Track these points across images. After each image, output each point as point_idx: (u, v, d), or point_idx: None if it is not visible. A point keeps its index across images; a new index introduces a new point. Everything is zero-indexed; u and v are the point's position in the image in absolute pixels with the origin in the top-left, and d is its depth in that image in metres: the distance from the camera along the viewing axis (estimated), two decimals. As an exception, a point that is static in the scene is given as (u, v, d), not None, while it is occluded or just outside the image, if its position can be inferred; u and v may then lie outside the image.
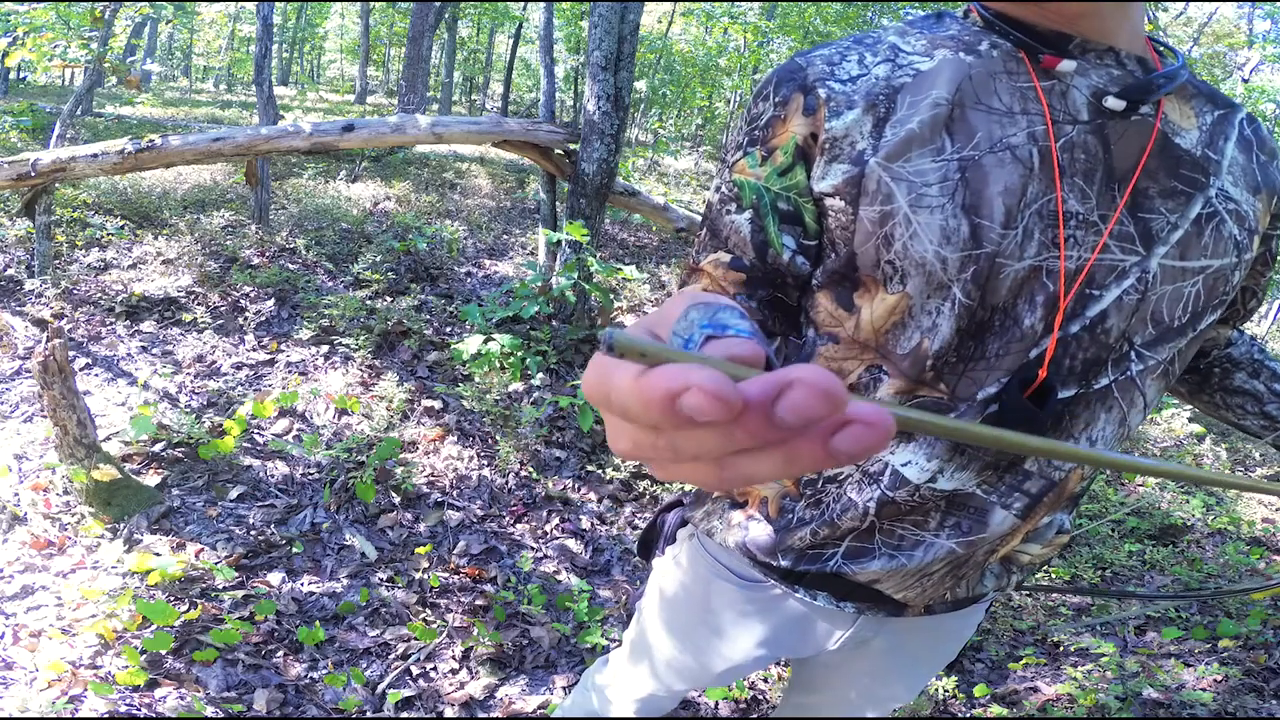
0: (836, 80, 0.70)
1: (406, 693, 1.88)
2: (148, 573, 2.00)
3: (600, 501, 2.83)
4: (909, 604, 0.84)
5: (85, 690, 1.68)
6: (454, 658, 2.02)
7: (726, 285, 0.77)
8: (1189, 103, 0.73)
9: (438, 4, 11.45)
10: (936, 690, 2.05)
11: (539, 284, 3.69)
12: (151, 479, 2.45)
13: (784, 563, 0.83)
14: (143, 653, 1.79)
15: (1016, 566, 0.84)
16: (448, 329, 3.77)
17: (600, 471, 2.95)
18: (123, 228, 4.26)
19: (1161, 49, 0.75)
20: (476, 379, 3.23)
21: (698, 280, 0.80)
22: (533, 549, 2.52)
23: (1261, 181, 0.75)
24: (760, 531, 0.84)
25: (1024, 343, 0.69)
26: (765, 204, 0.73)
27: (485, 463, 2.88)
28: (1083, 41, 0.68)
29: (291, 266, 4.12)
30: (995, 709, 2.04)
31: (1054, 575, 2.72)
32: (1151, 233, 0.69)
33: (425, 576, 2.28)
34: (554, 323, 3.69)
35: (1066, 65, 0.67)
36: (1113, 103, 0.67)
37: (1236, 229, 0.72)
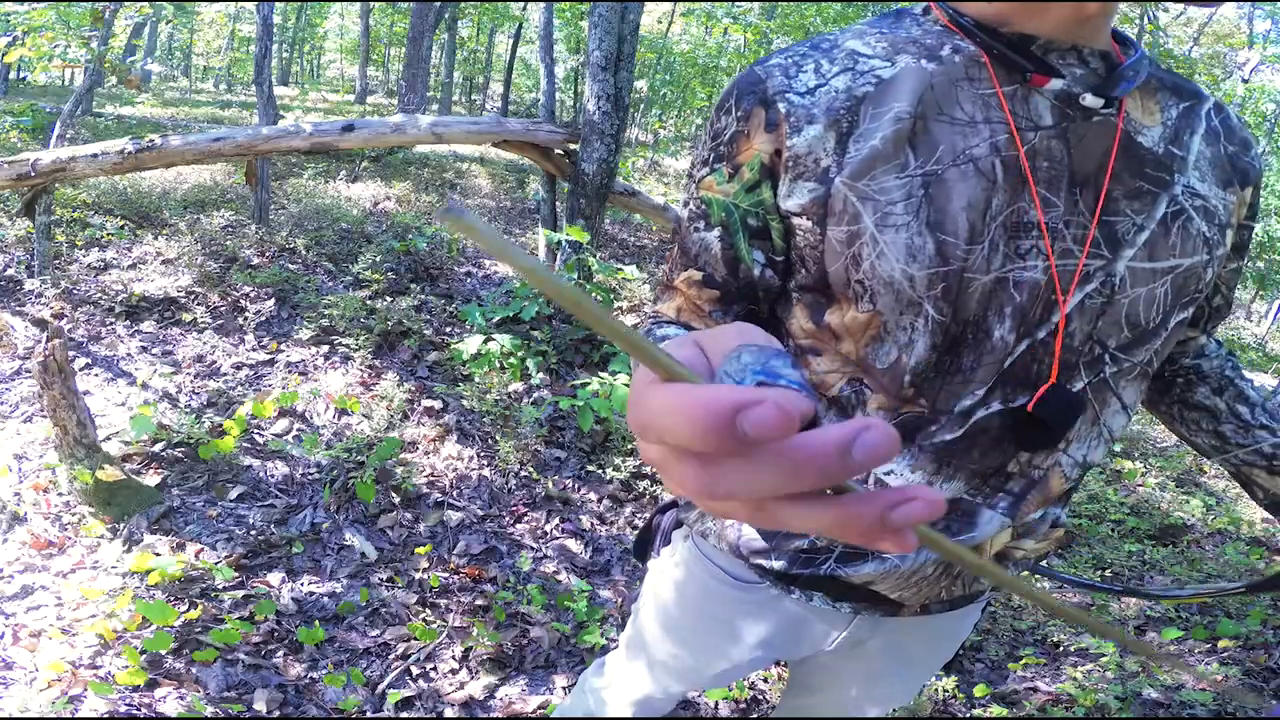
0: (795, 93, 0.68)
1: (406, 693, 1.88)
2: (148, 573, 2.00)
3: (600, 501, 2.83)
4: (905, 604, 0.84)
5: (85, 690, 1.68)
6: (454, 658, 2.02)
7: (701, 303, 0.76)
8: (1153, 97, 0.71)
9: (438, 4, 11.44)
10: (936, 690, 2.05)
11: (539, 284, 3.68)
12: (151, 479, 2.45)
13: (777, 564, 0.83)
14: (143, 653, 1.79)
15: (1011, 562, 0.84)
16: (448, 329, 3.77)
17: (600, 471, 2.95)
18: (123, 228, 4.26)
19: (1121, 40, 0.72)
20: (476, 379, 3.23)
21: (671, 298, 0.79)
22: (533, 549, 2.52)
23: (1233, 173, 0.73)
24: (753, 533, 0.84)
25: (995, 354, 0.68)
26: (735, 220, 0.72)
27: (485, 463, 2.88)
28: (1046, 42, 0.66)
29: (291, 266, 4.12)
30: (995, 709, 2.04)
31: (1054, 575, 2.72)
32: (1117, 235, 0.68)
33: (425, 576, 2.28)
34: (554, 323, 3.70)
35: (1055, 84, 0.66)
36: (1091, 101, 0.66)
37: (1205, 225, 0.70)
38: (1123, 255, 0.68)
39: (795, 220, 0.70)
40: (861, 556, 0.80)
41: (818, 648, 0.94)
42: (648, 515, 2.98)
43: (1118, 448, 3.90)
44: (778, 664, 2.08)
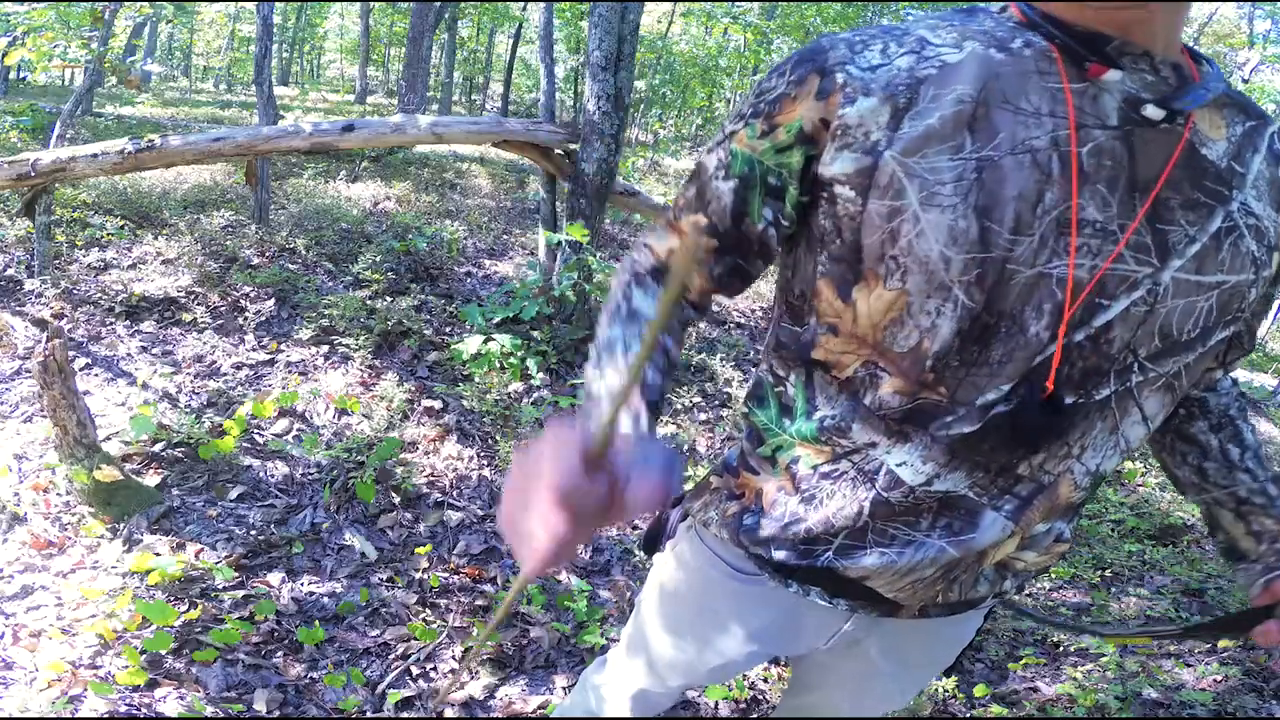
0: (856, 66, 0.68)
1: (406, 693, 1.88)
2: (148, 573, 2.00)
3: (600, 501, 2.83)
4: (901, 604, 0.83)
5: (85, 690, 1.68)
6: (454, 658, 2.02)
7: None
8: (1220, 112, 0.71)
9: (438, 4, 11.44)
10: (936, 690, 2.05)
11: (539, 284, 3.69)
12: (151, 479, 2.45)
13: (776, 555, 0.83)
14: (143, 653, 1.79)
15: (1011, 573, 0.83)
16: (448, 329, 3.77)
17: (600, 471, 2.94)
18: (123, 228, 4.26)
19: (1195, 57, 0.73)
20: (476, 379, 3.23)
21: (668, 237, 0.81)
22: (533, 549, 2.52)
23: None
24: (753, 523, 0.84)
25: (1028, 350, 0.67)
26: (755, 175, 0.72)
27: (485, 463, 2.88)
28: (1121, 44, 0.65)
29: (291, 266, 4.12)
30: (995, 709, 2.04)
31: (1054, 575, 2.72)
32: (1169, 245, 0.67)
33: (425, 576, 2.28)
34: (554, 323, 3.69)
35: (1112, 76, 0.65)
36: (1152, 112, 0.65)
37: (1255, 245, 0.70)
38: (1170, 265, 0.67)
39: (837, 189, 0.69)
40: (859, 550, 0.79)
41: (814, 645, 0.94)
42: (648, 515, 2.98)
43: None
44: (777, 663, 2.08)
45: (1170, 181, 0.66)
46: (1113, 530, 3.06)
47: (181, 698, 1.73)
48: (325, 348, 3.43)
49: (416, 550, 2.38)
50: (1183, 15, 0.69)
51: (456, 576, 2.31)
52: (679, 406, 3.51)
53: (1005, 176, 0.64)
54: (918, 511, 0.76)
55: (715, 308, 4.74)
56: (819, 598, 0.85)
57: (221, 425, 2.71)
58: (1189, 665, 2.27)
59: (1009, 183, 0.64)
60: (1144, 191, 0.66)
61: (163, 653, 1.81)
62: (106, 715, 1.65)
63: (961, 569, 0.79)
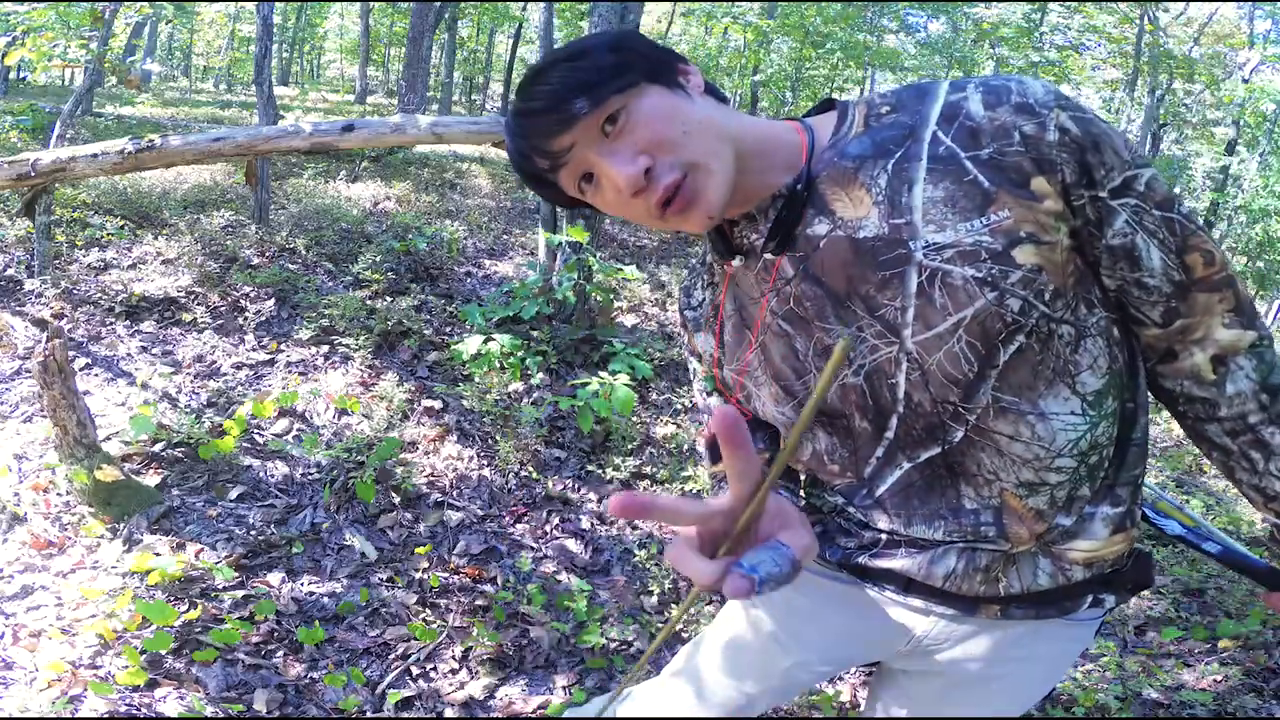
0: (690, 308, 0.95)
1: (406, 693, 1.88)
2: (148, 573, 2.00)
3: (600, 501, 2.83)
4: (962, 594, 0.85)
5: (85, 690, 1.68)
6: (454, 658, 2.02)
7: None
8: (854, 181, 0.75)
9: (438, 4, 11.44)
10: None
11: (539, 284, 3.69)
12: (151, 479, 2.45)
13: (831, 558, 0.93)
14: (143, 653, 1.79)
15: (1069, 563, 0.83)
16: (448, 329, 3.77)
17: (600, 471, 2.95)
18: (123, 228, 4.26)
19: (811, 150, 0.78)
20: (476, 379, 3.23)
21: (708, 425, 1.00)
22: (533, 549, 2.52)
23: (999, 182, 0.69)
24: (821, 532, 0.96)
25: (867, 436, 0.82)
26: (713, 385, 0.97)
27: (485, 463, 2.88)
28: (736, 221, 0.81)
29: (291, 266, 4.12)
30: (995, 709, 2.04)
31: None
32: (891, 323, 0.75)
33: (425, 576, 2.28)
34: (554, 323, 3.69)
35: (736, 263, 0.83)
36: (769, 257, 0.79)
37: (971, 269, 0.70)
38: (904, 335, 0.75)
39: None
40: (889, 555, 0.86)
41: (891, 650, 0.96)
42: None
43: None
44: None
45: (855, 279, 0.75)
46: (1113, 530, 3.05)
47: (181, 698, 1.73)
48: (325, 348, 3.43)
49: (416, 550, 2.38)
50: (754, 154, 0.77)
51: (456, 576, 2.31)
52: (679, 406, 3.51)
53: (773, 348, 0.84)
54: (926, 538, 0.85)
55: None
56: (894, 593, 0.90)
57: (221, 425, 2.71)
58: (1189, 665, 2.27)
59: (775, 351, 0.84)
60: (847, 298, 0.76)
61: (163, 653, 1.81)
62: (106, 715, 1.65)
63: (995, 564, 0.83)
